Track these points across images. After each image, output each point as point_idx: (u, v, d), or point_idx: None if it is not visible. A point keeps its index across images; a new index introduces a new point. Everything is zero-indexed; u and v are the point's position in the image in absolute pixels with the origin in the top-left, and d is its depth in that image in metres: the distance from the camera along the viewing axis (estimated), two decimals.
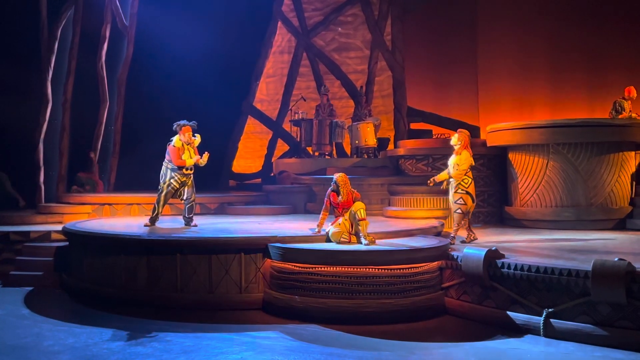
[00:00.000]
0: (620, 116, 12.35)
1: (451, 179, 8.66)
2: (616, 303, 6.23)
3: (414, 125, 16.29)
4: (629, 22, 15.38)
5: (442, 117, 15.77)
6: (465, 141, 8.64)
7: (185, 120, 9.42)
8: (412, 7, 16.39)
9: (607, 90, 14.46)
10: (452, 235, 8.68)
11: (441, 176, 8.77)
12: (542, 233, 10.30)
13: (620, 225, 10.81)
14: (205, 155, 9.40)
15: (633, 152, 11.51)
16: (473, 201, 8.68)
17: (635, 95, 12.85)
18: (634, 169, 11.46)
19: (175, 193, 9.57)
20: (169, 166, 9.44)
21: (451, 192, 8.70)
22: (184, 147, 9.37)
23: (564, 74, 15.71)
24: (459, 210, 8.61)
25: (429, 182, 8.87)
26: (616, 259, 6.36)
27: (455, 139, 8.70)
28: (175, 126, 9.41)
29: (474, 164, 8.70)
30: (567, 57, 15.70)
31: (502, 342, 6.52)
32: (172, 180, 9.46)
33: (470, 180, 8.61)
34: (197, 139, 9.57)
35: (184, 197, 9.61)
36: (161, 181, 9.53)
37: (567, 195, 11.09)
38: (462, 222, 8.73)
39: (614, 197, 11.09)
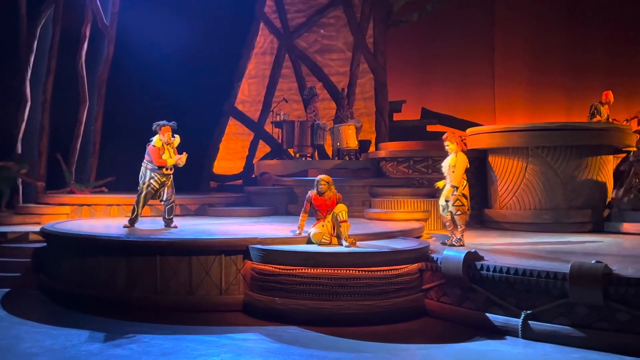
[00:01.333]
0: (595, 119, 12.52)
1: (447, 184, 8.53)
2: (593, 305, 6.31)
3: (430, 128, 16.32)
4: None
5: (458, 119, 15.66)
6: (459, 142, 8.59)
7: (165, 121, 9.39)
8: (428, 9, 16.44)
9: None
10: (458, 237, 8.55)
11: (441, 183, 8.75)
12: (522, 235, 10.39)
13: (599, 227, 10.94)
14: (184, 156, 9.37)
15: (611, 156, 11.67)
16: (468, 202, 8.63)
17: (613, 99, 13.04)
18: (611, 172, 11.61)
19: (155, 194, 9.51)
20: (149, 167, 9.38)
21: (442, 197, 8.58)
22: (164, 147, 9.33)
23: (582, 76, 15.82)
24: (458, 212, 8.46)
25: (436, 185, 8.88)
26: (593, 262, 6.44)
27: (449, 143, 8.53)
28: (155, 126, 9.38)
29: (468, 166, 8.53)
30: (584, 60, 15.81)
31: (481, 343, 6.56)
32: (151, 181, 9.41)
33: (465, 182, 8.53)
34: (177, 139, 9.53)
35: (164, 198, 9.56)
36: (140, 182, 9.47)
37: (546, 198, 11.20)
38: (458, 224, 8.59)
39: (592, 200, 11.21)
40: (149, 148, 9.36)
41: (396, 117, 16.68)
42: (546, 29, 16.32)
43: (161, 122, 9.36)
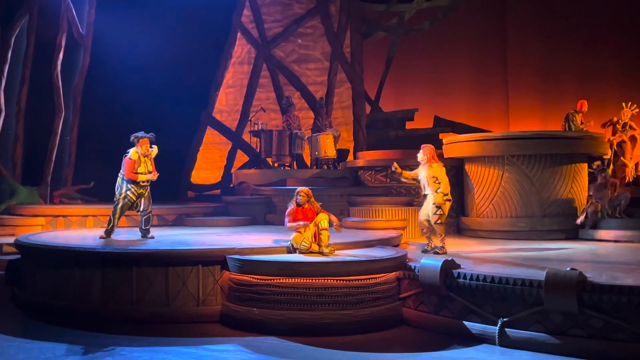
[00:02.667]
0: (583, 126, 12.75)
1: (429, 194, 8.61)
2: (568, 312, 6.37)
3: (442, 136, 16.32)
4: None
5: (471, 127, 15.56)
6: (432, 154, 8.72)
7: (142, 132, 9.31)
8: (439, 17, 16.50)
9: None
10: (440, 245, 8.63)
11: (408, 174, 8.84)
12: (498, 243, 10.47)
13: (573, 235, 11.06)
14: (155, 175, 9.33)
15: (585, 164, 11.82)
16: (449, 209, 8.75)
17: (587, 108, 13.25)
18: (586, 181, 11.76)
19: (132, 205, 9.43)
20: (125, 178, 9.31)
21: (428, 205, 8.65)
22: (140, 160, 9.25)
23: (596, 83, 15.98)
24: (439, 221, 8.55)
25: (393, 167, 8.91)
26: (568, 269, 6.51)
27: (421, 155, 8.70)
28: (132, 138, 9.29)
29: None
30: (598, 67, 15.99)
31: (458, 351, 6.59)
32: (128, 192, 9.32)
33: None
34: (155, 150, 9.47)
35: (140, 209, 9.48)
36: (117, 193, 9.38)
37: (521, 206, 11.31)
38: (436, 232, 8.69)
39: (567, 207, 11.34)
40: (124, 160, 9.27)
41: (409, 125, 16.58)
42: (559, 36, 16.47)
43: (139, 134, 9.28)
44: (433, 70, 17.53)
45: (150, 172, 9.30)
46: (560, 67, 16.64)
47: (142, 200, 9.43)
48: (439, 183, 8.53)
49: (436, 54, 17.51)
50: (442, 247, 8.64)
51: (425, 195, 8.75)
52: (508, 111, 17.05)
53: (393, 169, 8.96)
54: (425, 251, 8.68)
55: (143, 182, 9.31)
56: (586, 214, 10.96)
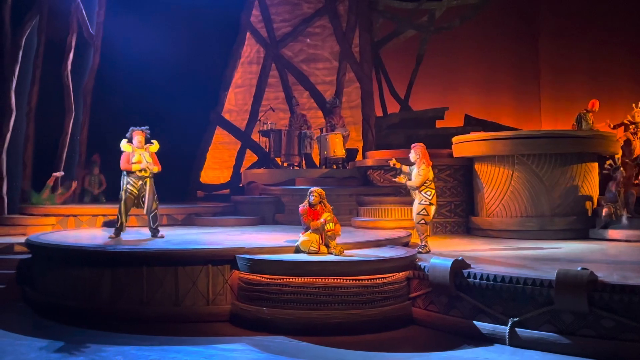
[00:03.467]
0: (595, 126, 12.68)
1: (416, 193, 8.81)
2: (579, 312, 6.34)
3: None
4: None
5: (502, 126, 15.37)
6: (423, 154, 8.77)
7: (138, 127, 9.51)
8: (470, 15, 16.39)
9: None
10: (423, 244, 8.76)
11: (406, 169, 8.90)
12: (508, 243, 10.44)
13: (583, 234, 11.00)
14: (153, 166, 9.40)
15: (595, 163, 11.75)
16: (434, 212, 8.85)
17: (598, 108, 13.18)
18: (596, 180, 11.70)
19: (136, 200, 9.46)
20: (124, 173, 9.42)
21: (415, 203, 8.83)
22: (135, 152, 9.34)
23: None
24: (422, 221, 8.72)
25: (391, 163, 9.03)
26: (579, 269, 6.48)
27: (412, 154, 8.83)
28: (129, 132, 9.49)
29: (431, 177, 8.77)
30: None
31: (468, 351, 6.58)
32: (128, 186, 9.39)
33: (432, 192, 8.72)
34: (154, 145, 9.53)
35: (145, 207, 9.48)
36: (121, 190, 9.47)
37: (531, 205, 11.26)
38: (426, 231, 8.82)
39: (577, 207, 11.28)
40: (121, 155, 9.45)
41: (439, 124, 16.34)
42: (595, 34, 16.31)
43: (134, 128, 9.47)
44: (463, 68, 17.34)
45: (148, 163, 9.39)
46: (597, 64, 16.39)
47: (147, 196, 9.43)
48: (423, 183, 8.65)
49: (466, 52, 17.30)
50: (424, 245, 8.72)
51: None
52: (540, 111, 16.84)
53: (391, 164, 9.01)
54: (419, 252, 8.67)
55: (140, 173, 9.35)
56: (601, 214, 10.91)
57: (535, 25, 17.31)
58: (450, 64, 17.49)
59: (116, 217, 9.55)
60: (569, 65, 16.84)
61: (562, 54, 16.84)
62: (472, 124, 15.64)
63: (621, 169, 11.34)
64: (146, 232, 9.77)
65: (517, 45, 17.26)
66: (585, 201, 11.37)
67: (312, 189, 8.16)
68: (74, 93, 14.89)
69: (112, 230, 9.56)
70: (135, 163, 9.32)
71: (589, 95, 14.41)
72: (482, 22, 16.80)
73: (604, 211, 10.88)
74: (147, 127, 9.55)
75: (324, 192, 8.16)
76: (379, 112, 16.29)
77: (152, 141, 9.52)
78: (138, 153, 9.35)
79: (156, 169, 9.46)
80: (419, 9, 16.82)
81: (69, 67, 14.79)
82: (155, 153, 9.60)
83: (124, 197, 9.41)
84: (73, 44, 14.90)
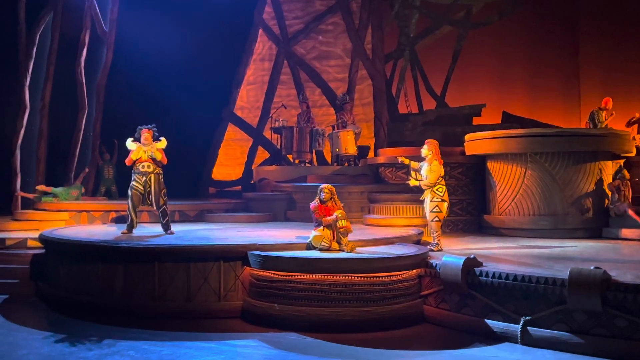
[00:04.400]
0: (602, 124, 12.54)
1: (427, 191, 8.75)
2: (592, 311, 6.30)
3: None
4: None
5: (541, 123, 15.13)
6: (436, 150, 8.74)
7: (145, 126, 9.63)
8: (509, 11, 16.19)
9: None
10: (435, 242, 8.71)
11: (415, 164, 8.85)
12: (520, 241, 10.38)
13: (597, 233, 10.93)
14: (155, 152, 9.47)
15: (609, 162, 11.66)
16: (447, 209, 8.79)
17: (612, 106, 13.08)
18: (610, 179, 11.61)
19: (144, 197, 9.53)
20: (132, 170, 9.55)
21: (427, 201, 8.78)
22: (140, 150, 9.44)
23: None
24: (436, 219, 8.69)
25: (400, 159, 9.04)
26: (592, 268, 6.44)
27: (425, 150, 8.78)
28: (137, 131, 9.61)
29: (443, 174, 8.75)
30: None
31: (480, 350, 6.56)
32: (133, 182, 9.51)
33: (444, 188, 8.71)
34: (162, 141, 9.59)
35: (154, 204, 9.55)
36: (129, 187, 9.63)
37: (544, 204, 11.20)
38: (439, 229, 8.78)
39: (591, 205, 11.21)
40: None
41: (476, 121, 16.18)
42: (637, 32, 16.11)
43: (141, 127, 9.58)
44: (501, 65, 17.12)
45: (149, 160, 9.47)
46: (632, 62, 16.18)
47: (153, 192, 9.48)
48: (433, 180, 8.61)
49: (503, 48, 17.07)
50: (437, 243, 8.68)
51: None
52: (580, 107, 16.60)
53: (400, 161, 9.00)
54: (431, 250, 8.65)
55: (142, 168, 9.42)
56: (614, 213, 10.85)
57: (576, 20, 16.98)
58: (487, 60, 17.21)
59: (127, 213, 9.64)
60: (611, 63, 16.50)
61: (604, 52, 16.54)
62: (510, 121, 15.34)
63: (624, 171, 11.29)
64: (158, 228, 9.81)
65: (557, 42, 16.89)
66: (599, 200, 11.30)
67: (322, 185, 8.16)
68: (87, 89, 14.99)
69: (124, 226, 9.62)
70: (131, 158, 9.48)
71: (631, 94, 14.23)
72: (519, 17, 16.47)
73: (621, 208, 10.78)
74: (154, 125, 9.62)
75: (334, 189, 8.16)
76: (413, 109, 15.98)
77: (160, 138, 9.58)
78: (142, 150, 9.43)
79: (156, 154, 9.46)
80: (456, 4, 16.55)
81: (83, 64, 14.89)
82: (168, 149, 9.65)
83: (129, 194, 9.54)
84: (86, 40, 15.00)
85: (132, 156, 9.44)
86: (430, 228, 8.87)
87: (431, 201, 8.70)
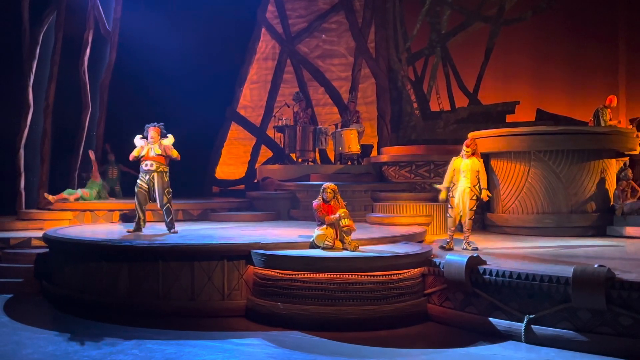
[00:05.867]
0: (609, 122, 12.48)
1: (465, 187, 8.58)
2: (596, 309, 6.29)
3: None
4: None
5: (577, 121, 14.80)
6: (476, 148, 8.71)
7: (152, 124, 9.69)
8: (543, 7, 15.99)
9: None
10: (467, 241, 8.66)
11: (443, 191, 8.75)
12: (524, 239, 10.37)
13: (601, 231, 10.91)
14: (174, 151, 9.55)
15: (614, 160, 11.64)
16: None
17: (616, 104, 13.05)
18: (614, 177, 11.59)
19: (149, 195, 9.57)
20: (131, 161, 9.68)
21: (464, 198, 8.60)
22: (145, 147, 9.51)
23: None
24: (474, 217, 8.69)
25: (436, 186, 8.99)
26: (596, 266, 6.43)
27: (468, 150, 8.64)
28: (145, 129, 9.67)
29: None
30: None
31: (484, 348, 6.55)
32: (138, 181, 9.61)
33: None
34: (169, 138, 9.63)
35: (158, 202, 9.58)
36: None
37: (548, 202, 11.19)
38: (467, 227, 8.73)
39: (595, 204, 11.19)
40: None
41: (509, 118, 15.81)
42: None
43: (148, 125, 9.63)
44: (535, 61, 16.86)
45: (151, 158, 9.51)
46: None
47: (157, 190, 9.51)
48: (477, 178, 8.56)
49: (538, 44, 16.82)
50: (469, 242, 8.67)
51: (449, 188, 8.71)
52: (618, 104, 16.39)
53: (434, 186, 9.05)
54: (442, 247, 8.63)
55: (146, 167, 9.48)
56: (622, 212, 10.83)
57: (614, 17, 16.78)
58: (522, 56, 16.96)
59: (134, 211, 9.68)
60: None
61: None
62: (544, 119, 15.06)
63: (628, 170, 11.25)
64: (163, 227, 9.83)
65: (595, 36, 16.50)
66: (603, 198, 11.27)
67: (325, 185, 8.16)
68: (90, 89, 15.00)
69: (129, 224, 9.66)
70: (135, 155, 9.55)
71: None
72: (554, 13, 16.16)
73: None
74: (161, 123, 9.69)
75: (336, 188, 8.16)
76: (445, 106, 15.83)
77: (167, 135, 9.62)
78: (148, 147, 9.50)
79: (174, 151, 9.53)
80: (489, 1, 16.46)
81: (86, 63, 14.90)
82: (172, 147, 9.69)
83: (135, 192, 9.63)
84: (90, 39, 15.00)
85: (135, 152, 9.53)
86: (465, 226, 8.69)
87: (471, 199, 8.56)
